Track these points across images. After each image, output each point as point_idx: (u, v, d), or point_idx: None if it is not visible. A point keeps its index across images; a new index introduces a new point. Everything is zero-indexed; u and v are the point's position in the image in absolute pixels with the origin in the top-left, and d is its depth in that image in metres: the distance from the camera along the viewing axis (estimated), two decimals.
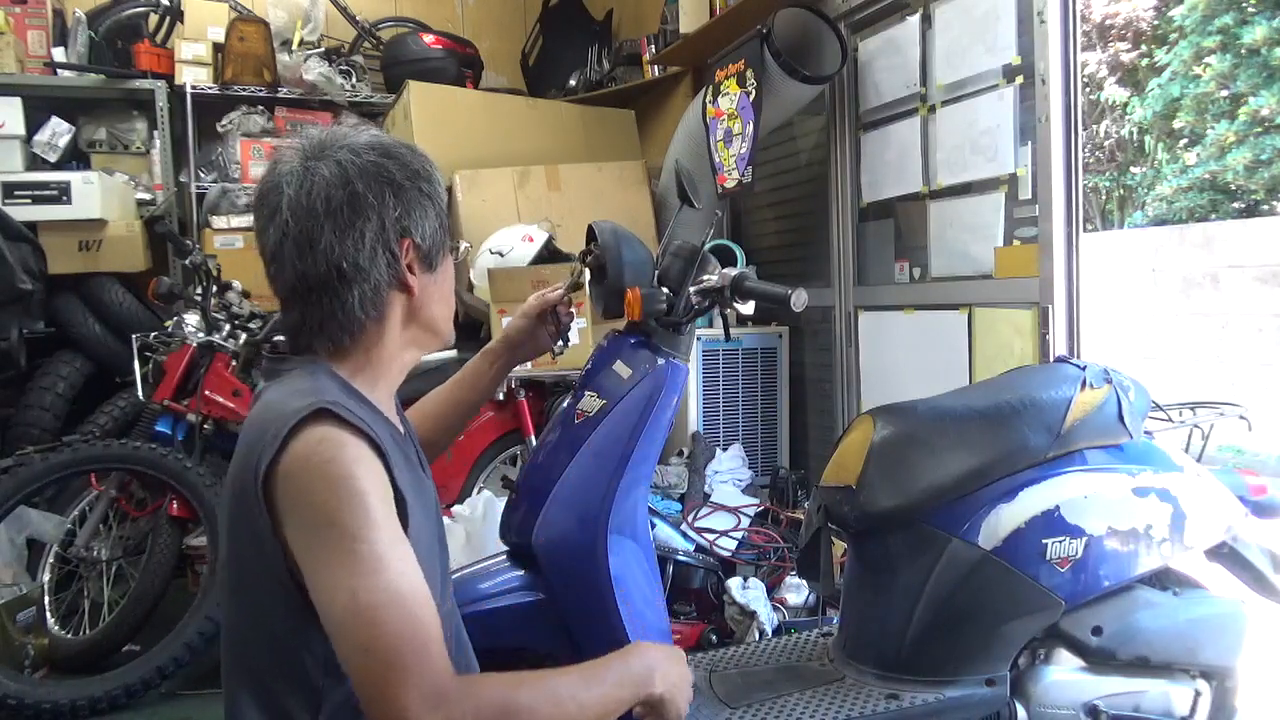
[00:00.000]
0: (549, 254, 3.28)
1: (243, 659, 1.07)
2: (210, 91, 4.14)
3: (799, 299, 1.44)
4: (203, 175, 4.18)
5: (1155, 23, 10.29)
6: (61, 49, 3.99)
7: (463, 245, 1.23)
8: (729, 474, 3.32)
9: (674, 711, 1.09)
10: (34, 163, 3.86)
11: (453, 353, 2.99)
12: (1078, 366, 1.73)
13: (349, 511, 0.94)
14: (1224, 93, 9.01)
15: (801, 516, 2.97)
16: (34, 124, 3.86)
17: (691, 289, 1.53)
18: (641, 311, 1.47)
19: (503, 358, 1.55)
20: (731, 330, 1.71)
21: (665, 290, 1.51)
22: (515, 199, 3.67)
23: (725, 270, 1.54)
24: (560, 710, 0.97)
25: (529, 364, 2.99)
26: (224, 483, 1.11)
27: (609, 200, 3.68)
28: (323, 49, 4.33)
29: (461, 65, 4.38)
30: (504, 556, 1.57)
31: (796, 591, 2.62)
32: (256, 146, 4.18)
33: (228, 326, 3.08)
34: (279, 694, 1.03)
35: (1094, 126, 10.87)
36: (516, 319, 1.56)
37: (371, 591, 0.92)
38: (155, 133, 4.07)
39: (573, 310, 1.57)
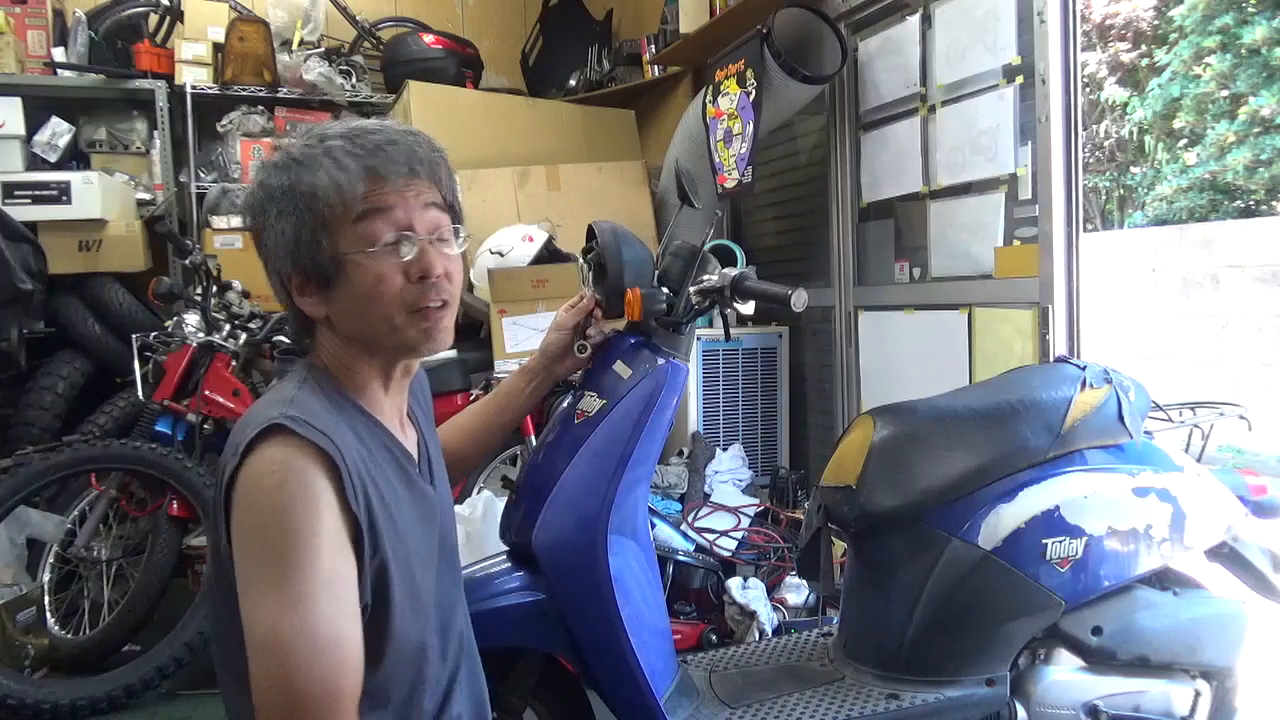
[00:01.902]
0: (549, 254, 3.28)
1: (224, 660, 1.06)
2: (210, 91, 4.14)
3: (799, 299, 1.44)
4: (203, 175, 4.18)
5: (1155, 23, 10.29)
6: (61, 49, 3.99)
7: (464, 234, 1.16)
8: (729, 474, 3.32)
9: None
10: (34, 163, 3.85)
11: (452, 353, 2.99)
12: (1078, 366, 1.73)
13: (285, 542, 0.91)
14: (1224, 93, 9.00)
15: (801, 516, 2.96)
16: (34, 124, 3.86)
17: (691, 289, 1.53)
18: (641, 311, 1.46)
19: (540, 375, 1.50)
20: (731, 330, 1.71)
21: (665, 290, 1.51)
22: (515, 199, 3.68)
23: (725, 270, 1.54)
24: None
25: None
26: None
27: (609, 200, 3.68)
28: (323, 49, 4.33)
29: (461, 65, 4.38)
30: (504, 556, 1.57)
31: (796, 591, 2.62)
32: (256, 146, 4.18)
33: (228, 326, 3.08)
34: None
35: (1094, 126, 10.87)
36: (552, 333, 1.51)
37: (289, 629, 0.89)
38: (155, 133, 4.06)
39: (599, 313, 1.52)
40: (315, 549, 0.92)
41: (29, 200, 3.54)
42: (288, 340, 3.06)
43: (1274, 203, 9.07)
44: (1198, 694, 1.68)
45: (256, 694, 0.90)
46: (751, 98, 3.04)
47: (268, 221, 1.04)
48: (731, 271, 1.52)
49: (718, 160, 3.29)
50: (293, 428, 0.95)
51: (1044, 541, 1.60)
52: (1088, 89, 10.50)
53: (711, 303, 1.54)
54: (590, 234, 1.59)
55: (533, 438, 3.13)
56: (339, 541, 0.95)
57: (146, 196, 4.02)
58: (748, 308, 1.51)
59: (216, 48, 4.15)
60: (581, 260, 1.62)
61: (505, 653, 1.50)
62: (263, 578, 0.91)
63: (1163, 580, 1.72)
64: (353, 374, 1.10)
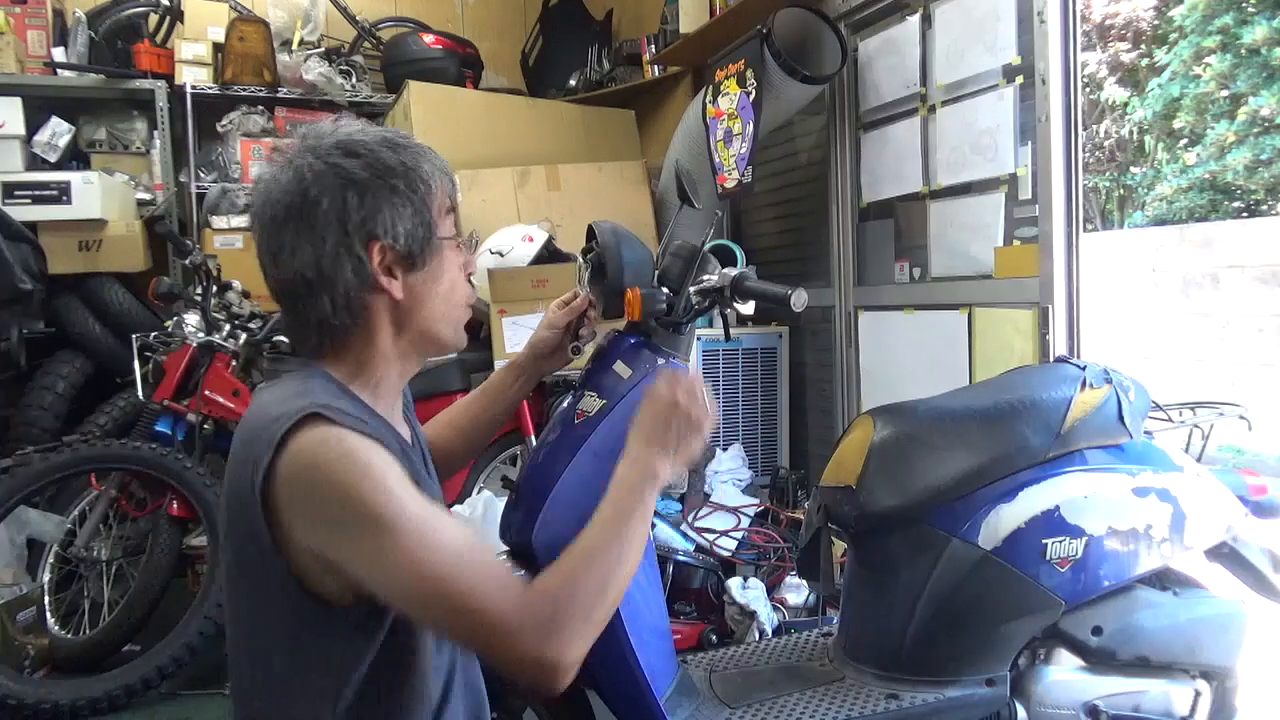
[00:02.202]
0: (549, 254, 3.28)
1: (251, 661, 1.05)
2: (210, 91, 4.14)
3: (799, 299, 1.44)
4: (203, 175, 4.18)
5: (1155, 23, 10.29)
6: (61, 49, 3.99)
7: (474, 239, 1.19)
8: (729, 474, 3.32)
9: (690, 452, 1.14)
10: (34, 163, 3.85)
11: (451, 354, 2.99)
12: (1078, 366, 1.73)
13: (371, 496, 0.93)
14: (1224, 93, 9.01)
15: (801, 516, 2.97)
16: (34, 124, 3.86)
17: (691, 289, 1.53)
18: (641, 311, 1.46)
19: (528, 370, 1.50)
20: (731, 330, 1.71)
21: (665, 290, 1.51)
22: (515, 199, 3.67)
23: (725, 270, 1.54)
24: (619, 559, 1.02)
25: None
26: (222, 488, 1.09)
27: (609, 200, 3.67)
28: (323, 49, 4.33)
29: (462, 65, 4.38)
30: (504, 557, 1.57)
31: (796, 591, 2.62)
32: (256, 146, 4.18)
33: (228, 326, 3.08)
34: (295, 696, 1.02)
35: (1094, 126, 10.88)
36: (543, 330, 1.51)
37: (431, 563, 0.92)
38: (155, 133, 4.06)
39: (592, 314, 1.52)
40: (400, 487, 0.95)
41: (29, 200, 3.54)
42: (288, 341, 3.08)
43: (1274, 203, 9.07)
44: (1198, 694, 1.67)
45: (442, 629, 0.96)
46: (751, 98, 3.04)
47: (371, 192, 1.05)
48: (731, 271, 1.52)
49: (718, 160, 3.29)
50: (330, 415, 0.97)
51: (1044, 541, 1.59)
52: (1088, 89, 10.50)
53: (711, 303, 1.54)
54: (590, 234, 1.59)
55: (533, 438, 3.13)
56: (408, 481, 0.97)
57: (146, 196, 4.02)
58: (748, 308, 1.51)
59: (216, 48, 4.16)
60: (581, 260, 1.62)
61: None
62: (374, 540, 0.92)
63: (1163, 580, 1.72)
64: (372, 370, 1.10)
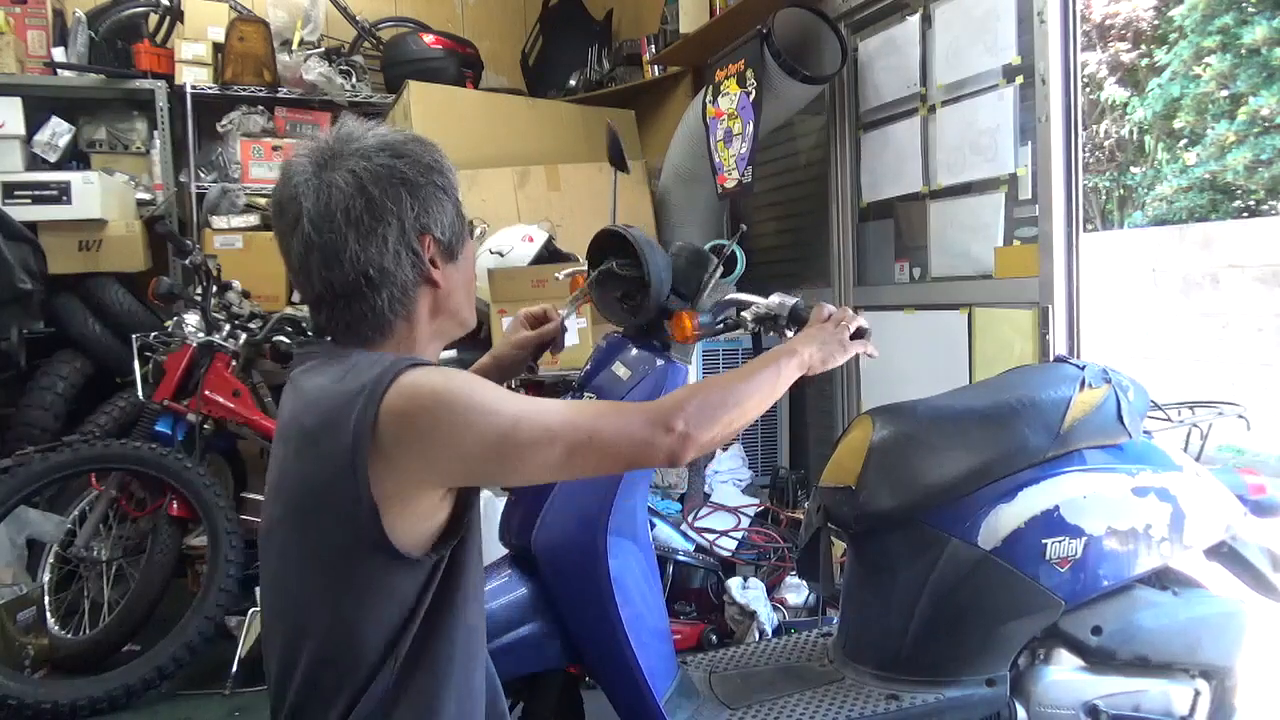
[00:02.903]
0: (549, 254, 3.28)
1: (304, 614, 1.09)
2: (210, 91, 4.14)
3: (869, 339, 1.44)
4: (203, 175, 4.18)
5: (1155, 23, 10.29)
6: (61, 49, 3.99)
7: (478, 227, 1.23)
8: (729, 474, 3.32)
9: (830, 362, 1.34)
10: (34, 163, 3.85)
11: (452, 353, 2.99)
12: (1077, 366, 1.73)
13: (486, 394, 1.04)
14: (1224, 93, 9.00)
15: (801, 516, 2.97)
16: (34, 124, 3.86)
17: (747, 315, 1.54)
18: (695, 337, 1.49)
19: (492, 376, 1.54)
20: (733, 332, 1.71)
21: (711, 316, 1.54)
22: (515, 199, 3.67)
23: (782, 299, 1.53)
24: (749, 394, 1.18)
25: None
26: (276, 473, 1.13)
27: (609, 200, 3.66)
28: (323, 49, 4.33)
29: (461, 65, 4.38)
30: (503, 558, 1.57)
31: (796, 591, 2.62)
32: (256, 146, 4.18)
33: (228, 326, 3.08)
34: (354, 642, 1.06)
35: (1094, 126, 10.87)
36: (510, 348, 1.56)
37: (555, 412, 1.05)
38: (155, 133, 4.06)
39: (567, 325, 1.57)
40: (499, 387, 1.08)
41: (29, 200, 3.54)
42: (287, 340, 3.08)
43: (1274, 203, 9.07)
44: (1197, 693, 1.68)
45: (591, 457, 1.06)
46: (751, 98, 3.04)
47: (422, 190, 1.11)
48: (789, 300, 1.52)
49: (718, 160, 3.29)
50: (423, 361, 1.07)
51: (1043, 541, 1.60)
52: (1088, 89, 10.49)
53: (758, 327, 1.55)
54: (599, 240, 1.58)
55: None
56: None
57: (146, 196, 4.02)
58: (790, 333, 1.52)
59: (216, 48, 4.15)
60: (589, 268, 1.61)
61: (503, 652, 1.50)
62: (499, 428, 1.02)
63: (1162, 580, 1.72)
64: (410, 352, 1.14)
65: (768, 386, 1.22)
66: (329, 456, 1.03)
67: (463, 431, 1.02)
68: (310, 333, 2.91)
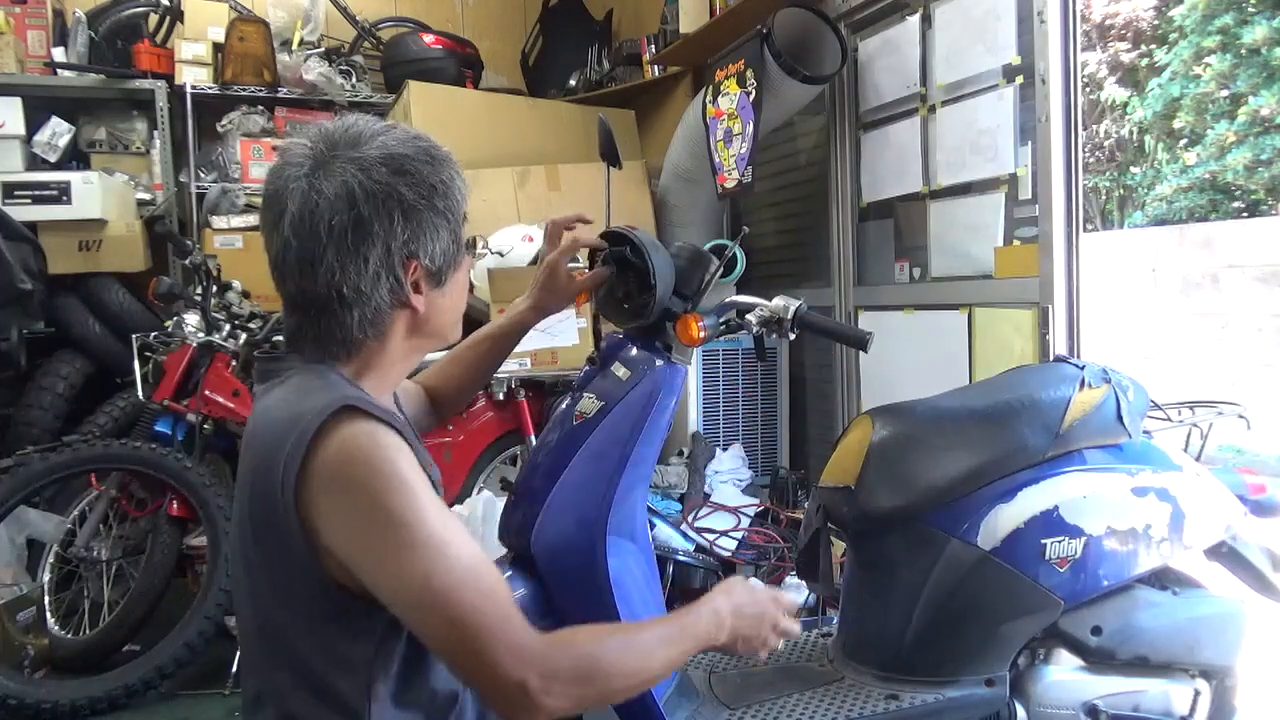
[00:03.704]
0: None
1: (279, 651, 1.04)
2: (210, 91, 4.14)
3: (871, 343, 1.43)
4: (203, 175, 4.18)
5: (1155, 23, 10.29)
6: (61, 49, 3.99)
7: (480, 243, 1.21)
8: (729, 474, 3.32)
9: (750, 649, 1.18)
10: (34, 163, 3.85)
11: (446, 352, 2.99)
12: (1076, 366, 1.73)
13: (400, 500, 0.94)
14: (1224, 93, 9.00)
15: (801, 516, 2.96)
16: (34, 124, 3.86)
17: (751, 317, 1.54)
18: (702, 339, 1.48)
19: (535, 319, 1.53)
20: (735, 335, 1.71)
21: (718, 318, 1.53)
22: (515, 199, 3.68)
23: (786, 301, 1.52)
24: (642, 664, 1.03)
25: (528, 363, 3.01)
26: (237, 487, 1.08)
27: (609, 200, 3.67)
28: (323, 49, 4.33)
29: (461, 65, 4.38)
30: (503, 559, 1.57)
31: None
32: (256, 146, 4.18)
33: (228, 326, 3.08)
34: (328, 682, 1.01)
35: (1094, 126, 10.87)
36: (529, 309, 1.54)
37: (444, 574, 0.93)
38: (155, 133, 4.06)
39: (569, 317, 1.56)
40: (425, 497, 0.97)
41: (29, 200, 3.54)
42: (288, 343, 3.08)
43: (1274, 202, 9.07)
44: (1197, 693, 1.67)
45: (437, 643, 0.95)
46: (751, 98, 3.04)
47: (417, 214, 1.05)
48: (793, 304, 1.51)
49: (718, 160, 3.29)
50: (362, 406, 0.99)
51: (1043, 541, 1.59)
52: (1088, 89, 10.50)
53: (762, 330, 1.54)
54: (612, 239, 1.58)
55: (533, 438, 3.13)
56: (433, 491, 1.00)
57: (146, 196, 4.02)
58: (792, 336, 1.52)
59: (216, 48, 4.15)
60: (588, 267, 1.61)
61: None
62: (393, 542, 0.94)
63: (1162, 580, 1.72)
64: (379, 369, 1.11)
65: (662, 664, 1.06)
66: (271, 489, 0.98)
67: (364, 518, 0.95)
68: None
